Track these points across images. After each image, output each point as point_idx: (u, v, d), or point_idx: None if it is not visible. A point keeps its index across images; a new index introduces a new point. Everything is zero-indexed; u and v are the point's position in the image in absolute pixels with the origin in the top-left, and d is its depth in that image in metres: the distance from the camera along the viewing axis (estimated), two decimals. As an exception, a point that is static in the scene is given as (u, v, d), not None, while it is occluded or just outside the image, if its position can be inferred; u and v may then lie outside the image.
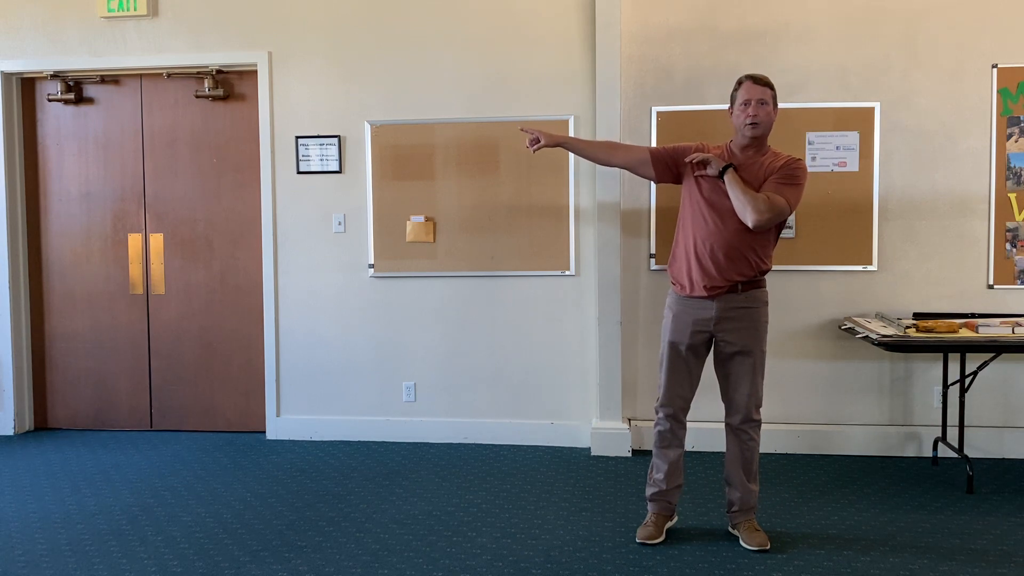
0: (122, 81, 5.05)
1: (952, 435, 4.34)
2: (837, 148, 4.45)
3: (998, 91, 4.38)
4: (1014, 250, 4.41)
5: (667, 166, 3.37)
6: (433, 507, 3.77)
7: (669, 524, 3.42)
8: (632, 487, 4.02)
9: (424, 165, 4.74)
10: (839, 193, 4.45)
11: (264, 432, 5.03)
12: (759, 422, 3.31)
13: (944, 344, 3.88)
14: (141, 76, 5.02)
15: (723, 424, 3.39)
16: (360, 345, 4.87)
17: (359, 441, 4.86)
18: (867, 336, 3.94)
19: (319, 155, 4.81)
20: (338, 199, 4.83)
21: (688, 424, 3.42)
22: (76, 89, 5.04)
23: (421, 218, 4.75)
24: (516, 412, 4.79)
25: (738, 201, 3.12)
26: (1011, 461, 4.40)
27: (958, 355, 4.11)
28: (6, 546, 3.36)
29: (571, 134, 4.60)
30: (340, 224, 4.83)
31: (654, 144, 4.51)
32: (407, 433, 4.85)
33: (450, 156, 4.71)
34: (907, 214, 4.45)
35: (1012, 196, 4.40)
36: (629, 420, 4.67)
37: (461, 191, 4.71)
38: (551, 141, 3.54)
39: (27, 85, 5.13)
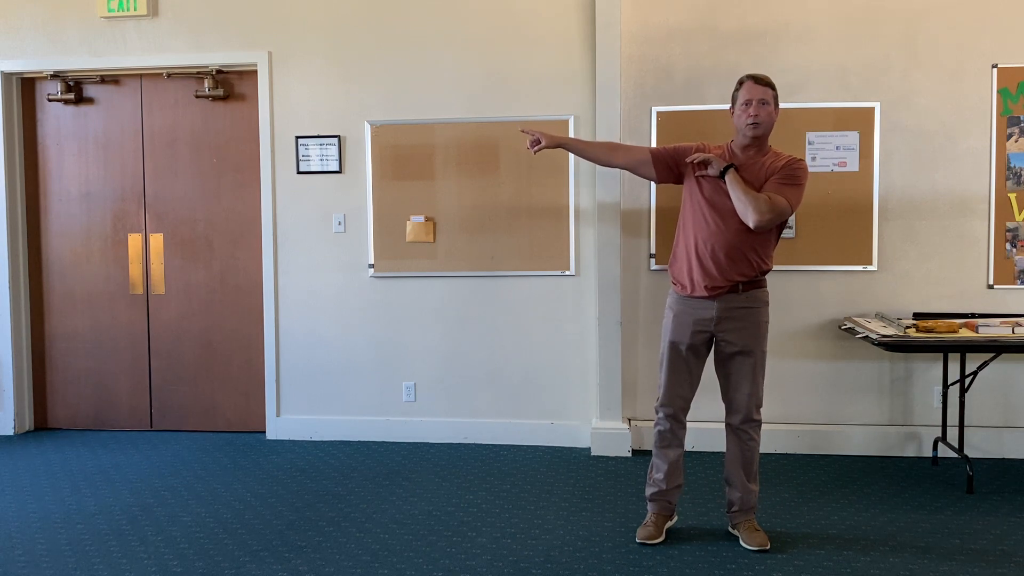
0: (122, 81, 5.05)
1: (952, 435, 4.34)
2: (837, 148, 4.45)
3: (998, 91, 4.38)
4: (1014, 250, 4.41)
5: (668, 166, 3.37)
6: (433, 507, 3.77)
7: (669, 524, 3.42)
8: (632, 487, 4.02)
9: (424, 165, 4.74)
10: (839, 193, 4.45)
11: (264, 432, 5.03)
12: (759, 422, 3.31)
13: (944, 344, 3.88)
14: (141, 76, 5.02)
15: (723, 424, 3.39)
16: (360, 345, 4.87)
17: (359, 441, 4.86)
18: (867, 336, 3.94)
19: (319, 155, 4.81)
20: (338, 199, 4.83)
21: (688, 424, 3.42)
22: (76, 89, 5.04)
23: (421, 218, 4.75)
24: (516, 412, 4.79)
25: (739, 201, 3.12)
26: (1011, 461, 4.40)
27: (958, 355, 4.11)
28: (6, 546, 3.36)
29: (571, 134, 4.60)
30: (340, 224, 4.83)
31: (654, 144, 4.51)
32: (407, 433, 4.85)
33: (450, 156, 4.71)
34: (907, 214, 4.45)
35: (1012, 196, 4.40)
36: (629, 420, 4.67)
37: (461, 191, 4.71)
38: (552, 142, 3.54)
39: (27, 85, 5.13)
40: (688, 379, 3.34)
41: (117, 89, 5.06)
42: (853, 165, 4.45)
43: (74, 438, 5.02)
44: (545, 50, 4.63)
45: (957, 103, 4.40)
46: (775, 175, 3.17)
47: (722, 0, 4.51)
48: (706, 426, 4.46)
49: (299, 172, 4.84)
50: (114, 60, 4.91)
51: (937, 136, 4.42)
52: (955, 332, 3.90)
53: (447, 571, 3.09)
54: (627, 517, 3.61)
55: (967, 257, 4.44)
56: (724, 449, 3.40)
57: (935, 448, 4.37)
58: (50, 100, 5.07)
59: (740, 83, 3.23)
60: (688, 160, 3.26)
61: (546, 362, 4.75)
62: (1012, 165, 4.39)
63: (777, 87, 3.26)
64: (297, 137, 4.82)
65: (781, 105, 3.32)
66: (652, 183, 4.26)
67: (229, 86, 4.96)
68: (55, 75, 4.99)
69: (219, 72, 4.91)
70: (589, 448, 4.63)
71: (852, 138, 4.44)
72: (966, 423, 4.23)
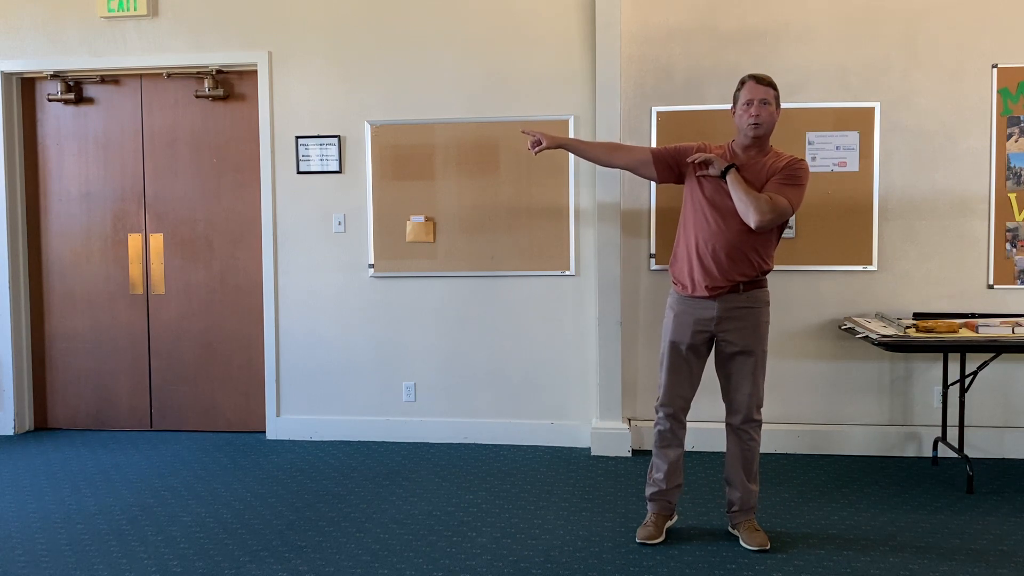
0: (122, 81, 5.05)
1: (952, 435, 4.34)
2: (837, 148, 4.45)
3: (998, 91, 4.38)
4: (1014, 250, 4.41)
5: (669, 166, 3.37)
6: (433, 507, 3.77)
7: (669, 524, 3.42)
8: (632, 487, 4.01)
9: (424, 165, 4.74)
10: (839, 193, 4.45)
11: (264, 432, 5.03)
12: (760, 422, 3.31)
13: (944, 344, 3.88)
14: (141, 76, 5.02)
15: (723, 424, 3.39)
16: (360, 345, 4.87)
17: (359, 441, 4.86)
18: (867, 336, 3.94)
19: (319, 155, 4.81)
20: (338, 199, 4.83)
21: (688, 424, 3.42)
22: (76, 89, 5.04)
23: (421, 218, 4.75)
24: (516, 412, 4.79)
25: (740, 202, 3.12)
26: (1011, 461, 4.40)
27: (958, 355, 4.11)
28: (6, 546, 3.36)
29: (571, 134, 4.60)
30: (340, 224, 4.83)
31: (654, 144, 4.51)
32: (407, 433, 4.85)
33: (450, 156, 4.71)
34: (907, 214, 4.45)
35: (1012, 196, 4.40)
36: (629, 420, 4.67)
37: (461, 191, 4.71)
38: (553, 143, 3.53)
39: (27, 85, 5.13)
40: (688, 379, 3.34)
41: (117, 89, 5.06)
42: (853, 165, 4.45)
43: (74, 438, 5.02)
44: (545, 50, 4.63)
45: (957, 103, 4.40)
46: (776, 175, 3.17)
47: (722, 0, 4.51)
48: (706, 426, 4.46)
49: (299, 172, 4.84)
50: (114, 60, 4.91)
51: (937, 136, 4.42)
52: (955, 332, 3.90)
53: (447, 571, 3.09)
54: (627, 517, 3.61)
55: (967, 257, 4.44)
56: (724, 449, 3.40)
57: (935, 448, 4.37)
58: (50, 100, 5.07)
59: (742, 83, 3.23)
60: (689, 160, 3.26)
61: (546, 362, 4.75)
62: (1012, 165, 4.39)
63: (778, 87, 3.26)
64: (297, 137, 4.82)
65: (781, 105, 3.32)
66: (652, 183, 4.27)
67: (229, 86, 4.96)
68: (55, 75, 4.99)
69: (219, 72, 4.91)
70: (589, 448, 4.63)
71: (852, 138, 4.44)
72: (966, 423, 4.24)
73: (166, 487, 4.09)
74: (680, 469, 3.39)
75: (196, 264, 5.06)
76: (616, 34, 4.48)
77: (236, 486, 4.09)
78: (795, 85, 4.43)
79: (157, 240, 5.08)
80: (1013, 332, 3.87)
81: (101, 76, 5.03)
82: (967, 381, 4.06)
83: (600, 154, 3.55)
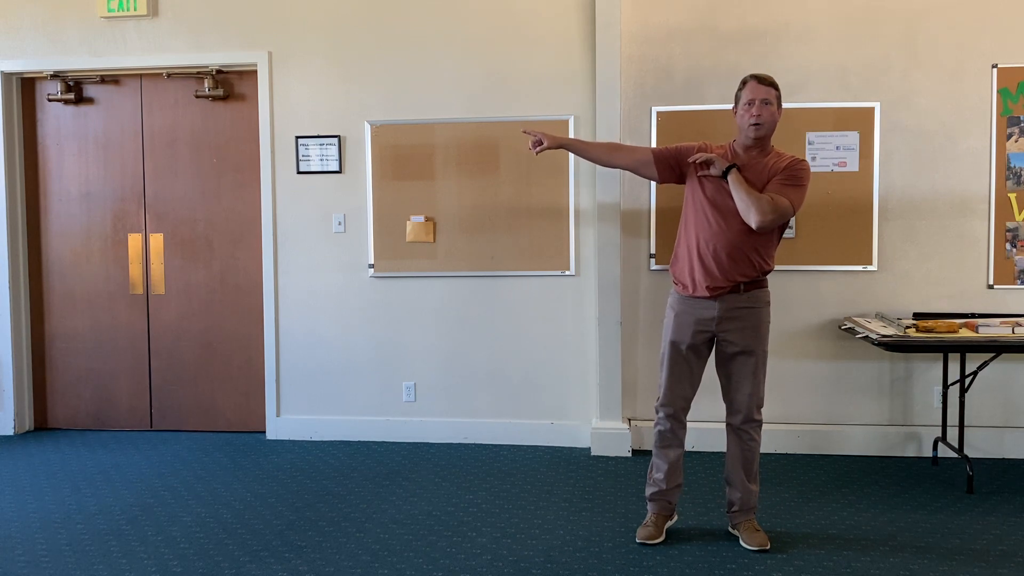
0: (122, 81, 5.05)
1: (952, 435, 4.34)
2: (837, 148, 4.45)
3: (998, 91, 4.38)
4: (1014, 250, 4.41)
5: (670, 166, 3.36)
6: (433, 507, 3.77)
7: (669, 524, 3.42)
8: (632, 487, 4.01)
9: (424, 165, 4.74)
10: (839, 193, 4.45)
11: (264, 432, 5.03)
12: (760, 422, 3.31)
13: (944, 344, 3.88)
14: (141, 76, 5.02)
15: (723, 424, 3.39)
16: (360, 345, 4.87)
17: (359, 441, 4.86)
18: (867, 336, 3.94)
19: (319, 155, 4.81)
20: (338, 199, 4.83)
21: (688, 424, 3.42)
22: (76, 89, 5.04)
23: (421, 218, 4.75)
24: (516, 412, 4.79)
25: (742, 202, 3.11)
26: (1011, 461, 4.40)
27: (958, 355, 4.11)
28: (6, 546, 3.36)
29: (571, 134, 4.60)
30: (340, 224, 4.83)
31: (654, 144, 4.51)
32: (407, 433, 4.84)
33: (450, 156, 4.71)
34: (907, 214, 4.45)
35: (1012, 196, 4.40)
36: (629, 420, 4.67)
37: (461, 191, 4.71)
38: (554, 143, 3.53)
39: (27, 85, 5.13)
40: (689, 379, 3.34)
41: (117, 89, 5.06)
42: (853, 165, 4.45)
43: (74, 438, 5.02)
44: (545, 50, 4.63)
45: (957, 103, 4.40)
46: (777, 176, 3.17)
47: (722, 0, 4.51)
48: (706, 426, 4.46)
49: (299, 172, 4.84)
50: (114, 60, 4.91)
51: (937, 136, 4.42)
52: (955, 332, 3.90)
53: (447, 571, 3.09)
54: (627, 517, 3.61)
55: (967, 257, 4.44)
56: (724, 449, 3.40)
57: (935, 448, 4.37)
58: (50, 100, 5.07)
59: (743, 83, 3.22)
60: (690, 160, 3.26)
61: (546, 362, 4.75)
62: (1012, 165, 4.39)
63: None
64: (297, 137, 4.82)
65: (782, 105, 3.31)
66: (653, 183, 4.27)
67: (229, 86, 4.96)
68: (55, 75, 4.99)
69: (219, 72, 4.91)
70: (589, 448, 4.63)
71: (852, 138, 4.44)
72: (966, 423, 4.23)
73: (166, 487, 4.09)
74: (680, 469, 3.39)
75: (196, 264, 5.06)
76: (616, 34, 4.48)
77: (236, 486, 4.09)
78: (795, 85, 4.43)
79: (157, 240, 5.08)
80: (1013, 332, 3.87)
81: (101, 76, 5.03)
82: (967, 381, 4.06)
83: (601, 154, 3.55)
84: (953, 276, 4.45)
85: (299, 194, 4.86)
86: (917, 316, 4.38)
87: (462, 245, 4.74)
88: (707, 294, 3.22)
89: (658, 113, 4.56)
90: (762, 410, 3.31)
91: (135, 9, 4.83)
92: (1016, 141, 4.38)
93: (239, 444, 4.84)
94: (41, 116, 5.13)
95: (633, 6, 4.54)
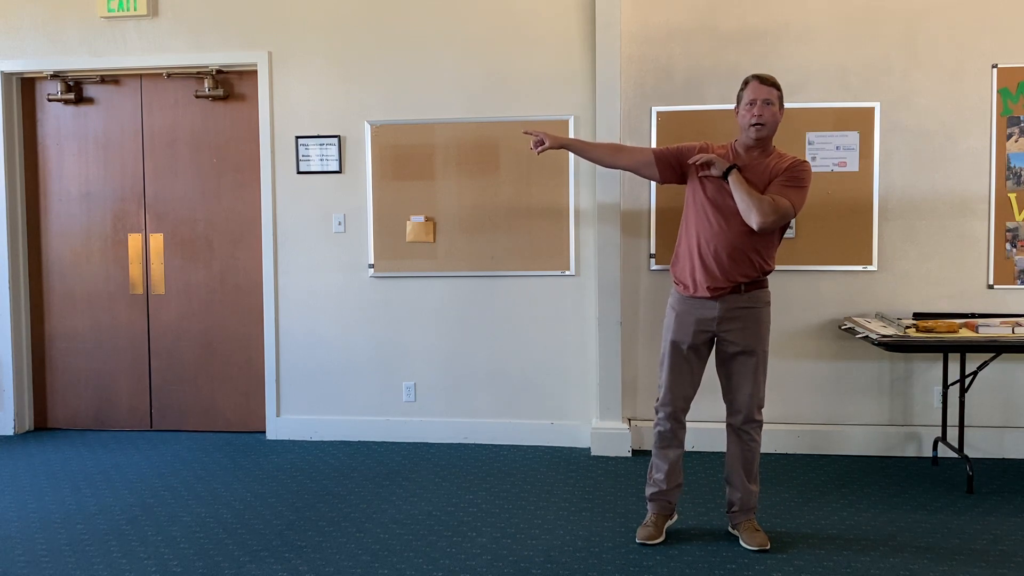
0: (122, 81, 5.05)
1: (952, 435, 4.34)
2: (837, 148, 4.45)
3: (998, 91, 4.38)
4: (1014, 250, 4.41)
5: (671, 166, 3.35)
6: (433, 507, 3.77)
7: (669, 523, 3.42)
8: (632, 487, 4.01)
9: (424, 165, 4.74)
10: (839, 193, 4.45)
11: (264, 432, 5.03)
12: (761, 423, 3.31)
13: (944, 344, 3.88)
14: (141, 76, 5.02)
15: (723, 424, 3.39)
16: (360, 345, 4.87)
17: (359, 441, 4.86)
18: (867, 336, 3.94)
19: (319, 155, 4.81)
20: (338, 199, 4.83)
21: (688, 424, 3.42)
22: (76, 89, 5.04)
23: (421, 218, 4.75)
24: (516, 412, 4.79)
25: (742, 203, 3.11)
26: (1011, 461, 4.40)
27: (958, 355, 4.11)
28: (6, 546, 3.36)
29: (571, 134, 4.60)
30: (340, 224, 4.83)
31: (655, 144, 4.52)
32: (407, 433, 4.84)
33: (450, 156, 4.71)
34: (907, 214, 4.45)
35: (1012, 196, 4.40)
36: (629, 420, 4.67)
37: (461, 191, 4.71)
38: (555, 143, 3.51)
39: (27, 85, 5.13)
40: (689, 379, 3.34)
41: (117, 89, 5.06)
42: (853, 165, 4.45)
43: (74, 438, 5.02)
44: (545, 50, 4.63)
45: (957, 103, 4.40)
46: (779, 177, 3.16)
47: (722, 0, 4.51)
48: (706, 426, 4.46)
49: (299, 172, 4.84)
50: (114, 60, 4.91)
51: (937, 136, 4.42)
52: (955, 332, 3.90)
53: (447, 571, 3.09)
54: (627, 517, 3.61)
55: (967, 257, 4.44)
56: (724, 449, 3.40)
57: (935, 448, 4.37)
58: (50, 100, 5.07)
59: (745, 83, 3.22)
60: (690, 162, 3.26)
61: (546, 362, 4.75)
62: (1012, 165, 4.39)
63: (779, 87, 3.26)
64: (297, 137, 4.82)
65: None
66: (653, 183, 4.27)
67: (229, 86, 4.96)
68: (55, 75, 4.99)
69: (219, 72, 4.91)
70: (589, 448, 4.63)
71: (852, 138, 4.44)
72: (966, 423, 4.23)
73: (166, 487, 4.09)
74: (680, 469, 3.39)
75: (196, 264, 5.06)
76: (616, 34, 4.48)
77: (236, 486, 4.09)
78: (795, 85, 4.43)
79: (157, 240, 5.08)
80: (1013, 332, 3.87)
81: (101, 76, 5.03)
82: (967, 381, 4.06)
83: (602, 155, 3.55)
84: (953, 276, 4.45)
85: (299, 194, 4.86)
86: (917, 316, 4.38)
87: (462, 245, 4.74)
88: (708, 294, 3.22)
89: (658, 113, 4.56)
90: (762, 410, 3.31)
91: (135, 9, 4.83)
92: (1016, 141, 4.38)
93: (239, 444, 4.84)
94: (41, 116, 5.13)
95: (633, 6, 4.54)
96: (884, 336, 3.85)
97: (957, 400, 4.11)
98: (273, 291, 4.90)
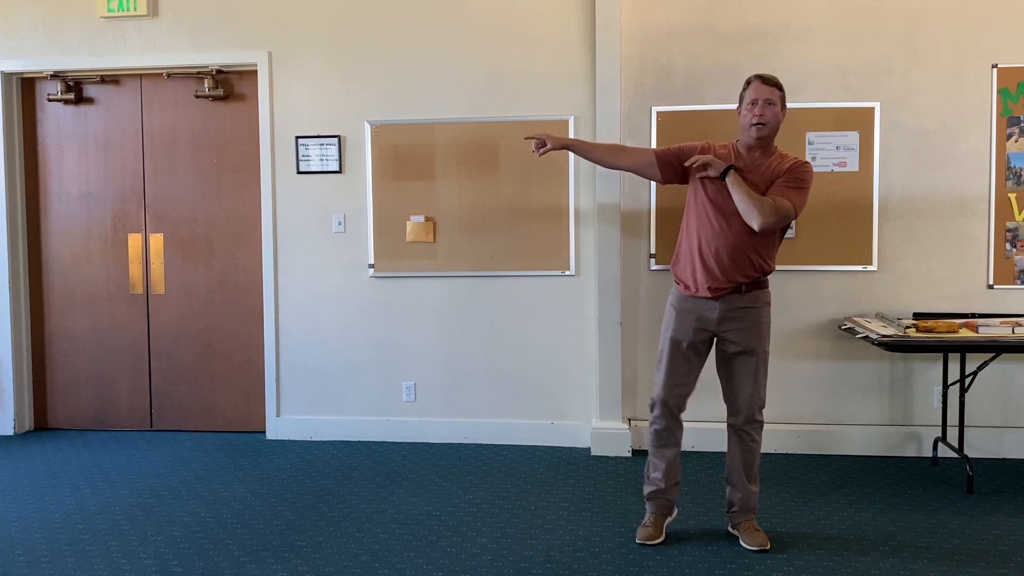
0: (122, 81, 5.05)
1: (952, 435, 4.34)
2: (837, 148, 4.45)
3: (998, 91, 4.38)
4: (1014, 250, 4.41)
5: (673, 167, 3.34)
6: (433, 507, 3.77)
7: (669, 519, 3.41)
8: (632, 487, 4.01)
9: (424, 165, 4.74)
10: (839, 193, 4.45)
11: (264, 432, 5.03)
12: (762, 423, 3.30)
13: (944, 344, 3.88)
14: (141, 76, 5.02)
15: (724, 424, 3.38)
16: (360, 345, 4.87)
17: (359, 441, 4.86)
18: (867, 336, 3.94)
19: (319, 155, 4.81)
20: (338, 199, 4.83)
21: (688, 424, 3.42)
22: (76, 89, 5.04)
23: (421, 218, 4.75)
24: (516, 412, 4.79)
25: (742, 203, 3.11)
26: (1011, 461, 4.40)
27: (958, 355, 4.11)
28: (6, 546, 3.36)
29: (571, 134, 4.60)
30: (340, 224, 4.83)
31: (654, 144, 4.52)
32: (407, 433, 4.84)
33: (450, 156, 4.71)
34: (907, 214, 4.45)
35: (1012, 196, 4.40)
36: (629, 420, 4.66)
37: (461, 191, 4.71)
38: (557, 144, 3.49)
39: (27, 85, 5.13)
40: (686, 377, 3.32)
41: (117, 89, 5.06)
42: (853, 165, 4.45)
43: (74, 438, 5.02)
44: (545, 50, 4.63)
45: (957, 103, 4.40)
46: (780, 177, 3.16)
47: (722, 0, 4.51)
48: (706, 426, 4.46)
49: (299, 172, 4.84)
50: (114, 60, 4.91)
51: (937, 136, 4.42)
52: (955, 332, 3.90)
53: (447, 571, 3.09)
54: (627, 517, 3.61)
55: (967, 257, 4.44)
56: (724, 449, 3.40)
57: (935, 448, 4.37)
58: (50, 100, 5.07)
59: (748, 82, 3.22)
60: (686, 164, 3.25)
61: (546, 362, 4.75)
62: (1012, 165, 4.39)
63: (780, 87, 3.25)
64: (297, 137, 4.82)
65: (784, 105, 3.31)
66: (653, 183, 4.27)
67: (229, 86, 4.96)
68: (55, 75, 4.99)
69: (219, 72, 4.91)
70: (589, 448, 4.63)
71: (852, 138, 4.44)
72: (966, 423, 4.23)
73: (166, 487, 4.09)
74: (678, 467, 3.38)
75: (196, 264, 5.06)
76: (616, 34, 4.48)
77: (236, 486, 4.09)
78: (795, 85, 4.42)
79: (157, 240, 5.08)
80: (1013, 332, 3.87)
81: (101, 76, 5.03)
82: (967, 381, 4.06)
83: (604, 155, 3.54)
84: (953, 276, 4.45)
85: (299, 194, 4.86)
86: (917, 316, 4.38)
87: (462, 245, 4.74)
88: (708, 294, 3.22)
89: (658, 113, 4.56)
90: (763, 411, 3.31)
91: (135, 9, 4.83)
92: (1016, 141, 4.38)
93: (239, 444, 4.84)
94: (41, 116, 5.13)
95: (633, 6, 4.54)
96: (884, 336, 3.85)
97: (957, 400, 4.11)
98: (273, 291, 4.90)
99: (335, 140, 4.79)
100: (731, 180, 3.14)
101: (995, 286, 4.43)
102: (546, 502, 3.83)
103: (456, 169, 4.71)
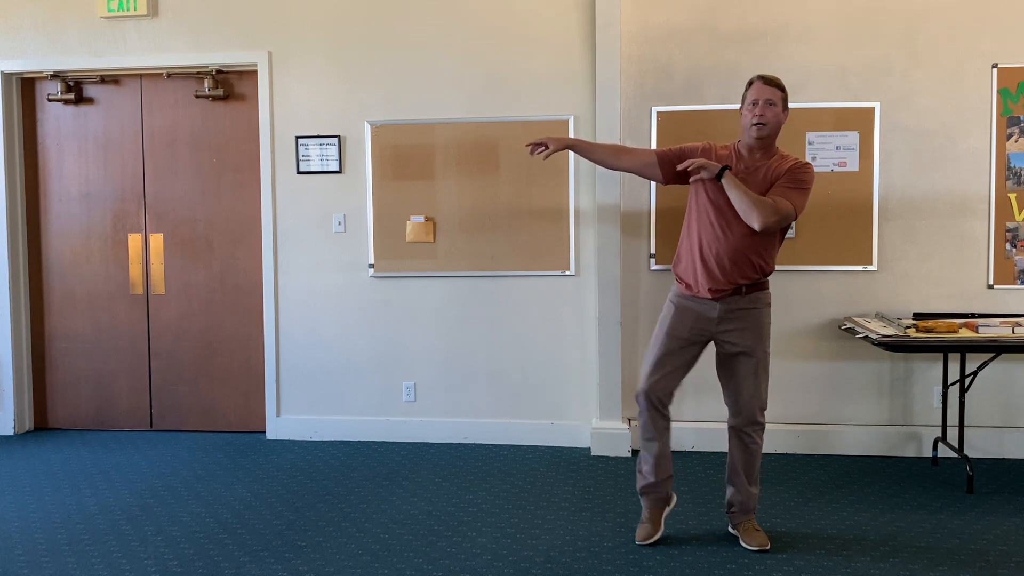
0: (122, 81, 5.05)
1: (952, 435, 4.34)
2: (837, 148, 4.45)
3: (998, 91, 4.38)
4: (1014, 250, 4.41)
5: (674, 168, 3.33)
6: (433, 507, 3.77)
7: (668, 509, 3.40)
8: (632, 487, 4.01)
9: (424, 165, 4.74)
10: (839, 193, 4.45)
11: (264, 432, 5.03)
12: (763, 425, 3.29)
13: (944, 344, 3.88)
14: (141, 76, 5.02)
15: (724, 424, 3.38)
16: (360, 345, 4.87)
17: (359, 441, 4.86)
18: (867, 336, 3.94)
19: (319, 155, 4.81)
20: (338, 199, 4.83)
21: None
22: (76, 89, 5.04)
23: (421, 218, 4.75)
24: (516, 412, 4.79)
25: (740, 204, 3.10)
26: (1011, 461, 4.40)
27: (958, 355, 4.11)
28: (6, 546, 3.36)
29: (571, 134, 4.60)
30: (340, 224, 4.83)
31: (654, 144, 4.52)
32: (407, 433, 4.84)
33: (450, 156, 4.71)
34: (907, 214, 4.45)
35: (1012, 196, 4.40)
36: (629, 420, 4.66)
37: (461, 191, 4.71)
38: (559, 145, 3.45)
39: (27, 85, 5.13)
40: (675, 371, 3.28)
41: (117, 89, 5.06)
42: (853, 165, 4.45)
43: (74, 438, 5.02)
44: (545, 50, 4.63)
45: (957, 103, 4.40)
46: (781, 178, 3.15)
47: (722, 0, 4.51)
48: (707, 426, 4.46)
49: (299, 172, 4.84)
50: (114, 60, 4.91)
51: (937, 136, 4.42)
52: (955, 332, 3.90)
53: (447, 571, 3.09)
54: (627, 517, 3.61)
55: (967, 257, 4.44)
56: (724, 449, 3.39)
57: (935, 448, 4.37)
58: (50, 100, 5.07)
59: (750, 83, 3.21)
60: (680, 167, 3.22)
61: (546, 362, 4.75)
62: (1012, 165, 4.39)
63: (781, 88, 3.25)
64: (297, 137, 4.82)
65: (785, 105, 3.31)
66: (653, 183, 4.27)
67: (229, 86, 4.96)
68: (55, 75, 4.99)
69: (219, 72, 4.91)
70: (589, 448, 4.63)
71: (852, 138, 4.44)
72: (966, 423, 4.23)
73: (166, 487, 4.09)
74: (668, 461, 3.34)
75: (196, 264, 5.06)
76: (616, 34, 4.48)
77: (236, 486, 4.09)
78: (795, 85, 4.41)
79: (157, 240, 5.08)
80: (1013, 332, 3.87)
81: (101, 76, 5.03)
82: (967, 381, 4.06)
83: (606, 156, 3.53)
84: (953, 276, 4.45)
85: (299, 194, 4.86)
86: (917, 316, 4.38)
87: (462, 245, 4.74)
88: (709, 295, 3.22)
89: (658, 113, 4.56)
90: (765, 412, 3.30)
91: (135, 9, 4.83)
92: (1016, 141, 4.38)
93: (239, 444, 4.84)
94: (41, 116, 5.13)
95: (633, 6, 4.54)
96: (884, 336, 3.85)
97: (957, 400, 4.11)
98: (273, 291, 4.90)
99: (335, 140, 4.79)
100: (727, 181, 3.13)
101: (995, 286, 4.43)
102: (546, 502, 3.83)
103: (456, 169, 4.71)
